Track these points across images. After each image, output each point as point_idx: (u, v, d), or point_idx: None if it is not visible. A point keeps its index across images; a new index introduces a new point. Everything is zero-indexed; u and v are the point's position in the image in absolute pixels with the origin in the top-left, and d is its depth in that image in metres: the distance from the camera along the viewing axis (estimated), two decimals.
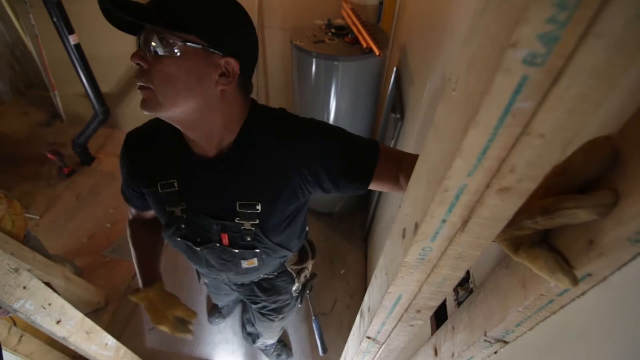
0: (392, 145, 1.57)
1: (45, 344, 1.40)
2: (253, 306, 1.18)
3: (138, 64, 0.57)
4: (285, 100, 2.62)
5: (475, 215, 0.29)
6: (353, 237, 2.22)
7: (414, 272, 0.38)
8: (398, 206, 1.02)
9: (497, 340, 0.46)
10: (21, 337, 1.28)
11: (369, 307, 0.55)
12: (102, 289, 1.88)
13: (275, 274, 1.01)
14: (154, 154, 0.74)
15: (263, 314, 1.20)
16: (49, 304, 0.98)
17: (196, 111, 0.61)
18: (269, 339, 1.51)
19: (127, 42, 2.51)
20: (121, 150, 0.79)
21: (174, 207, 0.75)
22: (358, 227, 2.28)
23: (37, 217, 2.20)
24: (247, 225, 0.73)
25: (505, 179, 0.26)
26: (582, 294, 0.34)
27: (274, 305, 1.13)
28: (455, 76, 0.27)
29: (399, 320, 0.48)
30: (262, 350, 1.72)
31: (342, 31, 1.65)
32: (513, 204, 0.28)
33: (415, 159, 0.64)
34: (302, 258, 1.07)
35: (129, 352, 1.43)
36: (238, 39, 0.61)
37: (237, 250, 0.80)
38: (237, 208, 0.72)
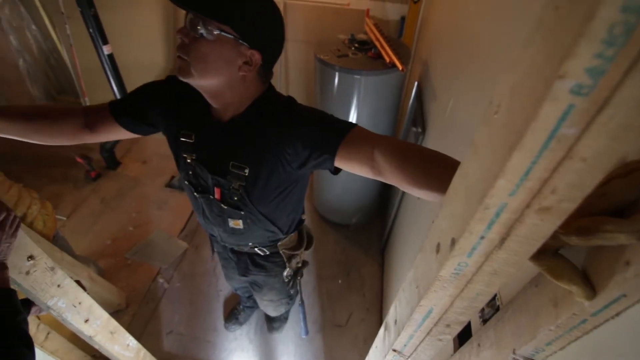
0: None
1: (69, 342, 1.45)
2: (243, 279, 1.27)
3: (181, 38, 0.68)
4: (306, 103, 2.66)
5: (513, 233, 0.30)
6: (370, 250, 2.22)
7: (448, 287, 0.39)
8: (430, 221, 1.02)
9: (526, 359, 0.47)
10: (48, 334, 1.32)
11: (396, 320, 0.55)
12: (123, 290, 1.93)
13: (268, 252, 1.11)
14: (184, 104, 0.84)
15: (253, 288, 1.34)
16: (79, 303, 1.01)
17: (219, 86, 0.74)
18: (272, 314, 1.59)
19: (154, 52, 2.62)
20: (157, 81, 0.88)
21: (187, 155, 0.87)
22: (375, 240, 2.27)
23: (64, 218, 2.29)
24: (235, 184, 0.84)
25: (546, 200, 0.27)
26: (617, 314, 0.35)
27: (261, 283, 1.26)
28: (497, 101, 0.28)
29: (428, 334, 0.49)
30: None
31: (365, 46, 1.68)
32: (552, 223, 0.29)
33: (395, 142, 0.68)
34: (296, 245, 1.15)
35: (148, 354, 1.46)
36: (266, 36, 0.72)
37: (225, 207, 0.91)
38: (230, 167, 0.83)
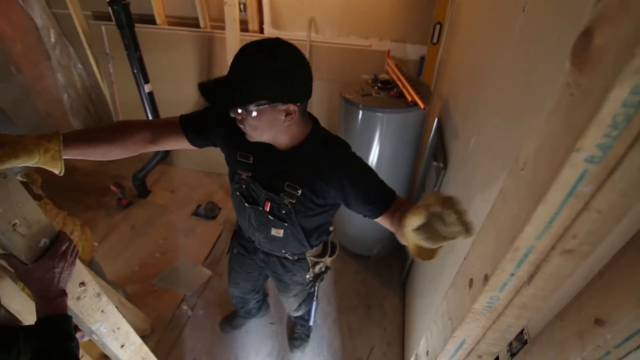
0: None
1: None
2: (273, 276, 1.44)
3: (239, 118, 0.84)
4: None
5: (540, 271, 0.34)
6: (391, 282, 2.21)
7: (480, 319, 0.43)
8: (454, 256, 1.04)
9: None
10: (82, 357, 1.37)
11: (428, 351, 0.58)
12: (149, 316, 1.98)
13: (296, 258, 1.26)
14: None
15: (278, 287, 1.48)
16: (118, 328, 1.07)
17: (274, 136, 0.91)
18: (290, 310, 1.64)
19: (189, 87, 2.81)
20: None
21: (243, 172, 1.02)
22: (396, 272, 2.27)
23: (97, 244, 2.39)
24: (287, 201, 0.99)
25: (568, 243, 0.32)
26: (638, 347, 0.38)
27: (287, 282, 1.38)
28: (523, 159, 0.34)
29: None
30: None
31: (388, 85, 1.78)
32: (574, 263, 0.33)
33: (409, 205, 0.81)
34: (321, 253, 1.31)
35: None
36: (292, 89, 0.83)
37: (271, 218, 1.06)
38: (285, 187, 0.97)
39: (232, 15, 2.11)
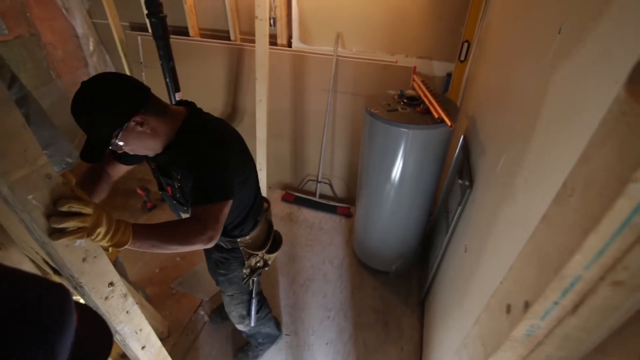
0: (459, 211, 1.59)
1: None
2: (213, 271, 1.60)
3: (118, 150, 1.01)
4: (349, 155, 2.77)
5: (586, 302, 0.33)
6: (409, 300, 2.17)
7: (518, 347, 0.41)
8: (486, 280, 1.01)
9: None
10: None
11: None
12: (166, 319, 2.01)
13: (229, 247, 1.34)
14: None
15: (219, 285, 1.52)
16: (140, 330, 1.09)
17: (151, 144, 1.03)
18: (234, 319, 1.62)
19: (215, 99, 2.89)
20: None
21: (152, 165, 1.20)
22: (415, 289, 2.23)
23: None
24: (175, 184, 1.14)
25: (619, 275, 0.31)
26: None
27: (223, 279, 1.43)
28: (571, 185, 0.33)
29: None
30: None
31: (414, 101, 1.78)
32: (624, 296, 0.32)
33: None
34: (259, 246, 1.38)
35: None
36: (123, 107, 0.93)
37: (174, 202, 1.23)
38: (172, 172, 1.12)
39: (262, 30, 2.17)
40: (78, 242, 0.78)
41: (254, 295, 1.52)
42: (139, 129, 0.97)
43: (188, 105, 1.15)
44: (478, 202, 1.42)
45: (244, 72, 2.74)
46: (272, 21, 2.46)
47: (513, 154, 1.12)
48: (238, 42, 2.70)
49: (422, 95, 1.81)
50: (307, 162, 2.95)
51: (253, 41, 2.63)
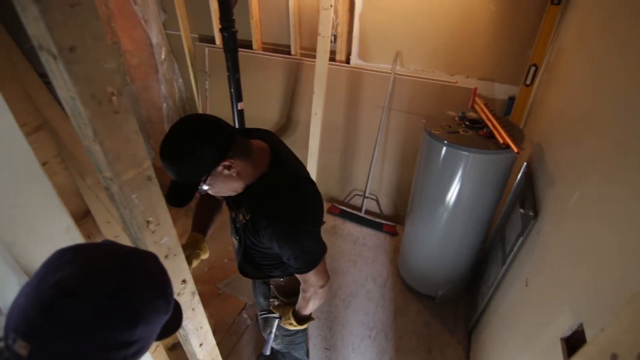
0: (520, 242, 1.52)
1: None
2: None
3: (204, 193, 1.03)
4: (399, 173, 2.74)
5: None
6: (455, 329, 2.08)
7: None
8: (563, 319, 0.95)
9: None
10: (156, 346, 1.48)
11: None
12: (212, 318, 2.08)
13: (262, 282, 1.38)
14: None
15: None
16: (201, 327, 1.14)
17: (234, 186, 1.02)
18: (265, 336, 1.57)
19: (271, 109, 3.00)
20: None
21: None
22: (462, 318, 2.13)
23: None
24: (241, 218, 1.13)
25: None
26: None
27: (255, 295, 1.50)
28: None
29: None
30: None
31: (477, 124, 1.73)
32: None
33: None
34: (286, 292, 1.33)
35: None
36: (212, 154, 0.91)
37: (233, 226, 1.22)
38: (242, 208, 1.11)
39: (323, 47, 2.23)
40: (164, 239, 0.84)
41: (270, 333, 1.47)
42: (226, 172, 0.95)
43: (266, 138, 1.12)
44: (545, 235, 1.35)
45: (301, 86, 2.83)
46: (332, 38, 2.52)
47: (591, 188, 1.06)
48: (298, 57, 2.80)
49: (484, 118, 1.77)
50: (355, 177, 2.96)
51: (312, 56, 2.72)
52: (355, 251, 2.63)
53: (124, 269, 0.53)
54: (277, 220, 1.02)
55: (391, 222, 2.83)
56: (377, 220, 2.83)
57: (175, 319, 0.66)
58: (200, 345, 1.17)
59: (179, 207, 0.98)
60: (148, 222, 0.78)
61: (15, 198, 0.73)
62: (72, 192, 0.91)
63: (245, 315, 2.15)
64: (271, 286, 1.32)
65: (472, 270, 2.15)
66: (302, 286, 1.17)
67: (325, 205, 3.04)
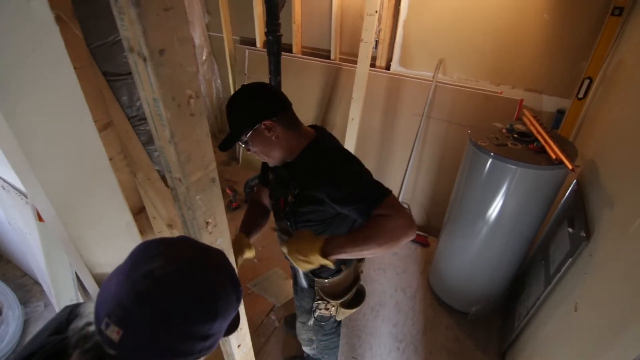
0: (569, 263, 1.44)
1: None
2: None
3: (248, 149, 1.09)
4: (434, 183, 2.68)
5: None
6: (488, 348, 2.00)
7: None
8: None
9: None
10: None
11: None
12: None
13: (305, 285, 1.33)
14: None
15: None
16: (240, 329, 1.15)
17: (276, 153, 1.08)
18: (301, 340, 1.60)
19: (307, 111, 3.01)
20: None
21: (271, 176, 1.25)
22: (495, 338, 2.05)
23: None
24: (289, 198, 1.14)
25: None
26: None
27: (297, 304, 1.46)
28: None
29: None
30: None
31: (526, 138, 1.67)
32: None
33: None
34: (332, 293, 1.29)
35: None
36: (258, 111, 1.02)
37: (282, 214, 1.21)
38: (290, 186, 1.12)
39: (365, 52, 2.22)
40: (219, 240, 0.85)
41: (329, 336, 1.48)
42: (266, 133, 1.03)
43: (318, 129, 1.19)
44: (599, 258, 1.27)
45: (338, 90, 2.83)
46: (374, 44, 2.51)
47: None
48: (337, 61, 2.80)
49: (534, 131, 1.69)
50: (388, 184, 2.87)
51: (351, 61, 2.72)
52: (385, 260, 2.59)
53: (207, 263, 0.55)
54: (329, 165, 1.05)
55: (423, 233, 2.77)
56: None
57: (236, 318, 0.67)
58: (239, 346, 1.18)
59: (222, 151, 1.05)
60: (207, 223, 0.79)
61: (84, 193, 0.75)
62: (131, 188, 0.94)
63: (273, 317, 2.15)
64: (316, 288, 1.30)
65: (508, 288, 2.07)
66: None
67: None
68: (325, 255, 0.96)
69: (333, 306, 1.32)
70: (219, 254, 0.60)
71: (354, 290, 1.33)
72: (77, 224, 0.77)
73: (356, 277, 1.36)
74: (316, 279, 1.28)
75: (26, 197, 1.24)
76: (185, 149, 0.64)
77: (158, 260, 0.50)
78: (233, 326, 0.65)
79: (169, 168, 0.68)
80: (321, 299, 1.30)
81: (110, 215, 0.81)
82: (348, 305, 1.34)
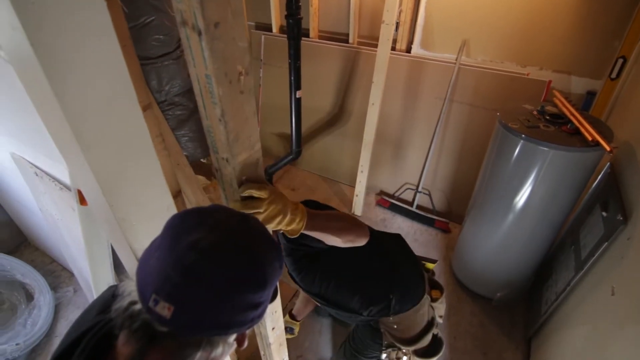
0: (604, 248, 1.41)
1: None
2: None
3: None
4: (456, 168, 2.64)
5: None
6: (513, 334, 1.99)
7: None
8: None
9: None
10: None
11: None
12: None
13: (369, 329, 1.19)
14: None
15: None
16: (275, 312, 1.16)
17: None
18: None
19: (324, 98, 2.98)
20: None
21: None
22: (520, 324, 2.04)
23: None
24: None
25: None
26: None
27: (347, 345, 1.39)
28: None
29: None
30: None
31: (559, 119, 1.62)
32: None
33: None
34: (403, 337, 1.10)
35: None
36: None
37: None
38: None
39: (387, 35, 2.16)
40: None
41: None
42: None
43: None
44: (638, 241, 1.23)
45: (357, 75, 2.78)
46: (395, 26, 2.44)
47: None
48: (355, 45, 2.75)
49: (567, 113, 1.64)
50: (407, 170, 2.88)
51: (370, 45, 2.66)
52: None
53: (248, 230, 0.53)
54: None
55: (444, 219, 2.74)
56: (429, 215, 2.75)
57: (276, 288, 0.66)
58: (273, 329, 1.19)
59: None
60: None
61: (130, 174, 0.75)
62: (169, 171, 0.94)
63: (296, 301, 2.17)
64: (382, 331, 1.09)
65: (534, 274, 2.04)
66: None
67: (375, 198, 3.00)
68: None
69: (405, 354, 1.09)
70: (256, 220, 0.58)
71: (429, 336, 1.09)
72: (122, 206, 0.77)
73: (431, 320, 1.15)
74: (380, 320, 1.05)
75: (60, 183, 1.26)
76: (234, 128, 0.63)
77: (199, 232, 0.48)
78: (275, 293, 0.65)
79: (216, 149, 0.67)
80: (390, 345, 1.07)
81: (152, 197, 0.81)
82: (424, 354, 1.08)
